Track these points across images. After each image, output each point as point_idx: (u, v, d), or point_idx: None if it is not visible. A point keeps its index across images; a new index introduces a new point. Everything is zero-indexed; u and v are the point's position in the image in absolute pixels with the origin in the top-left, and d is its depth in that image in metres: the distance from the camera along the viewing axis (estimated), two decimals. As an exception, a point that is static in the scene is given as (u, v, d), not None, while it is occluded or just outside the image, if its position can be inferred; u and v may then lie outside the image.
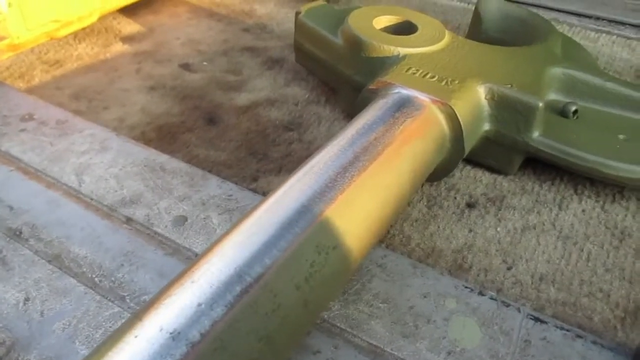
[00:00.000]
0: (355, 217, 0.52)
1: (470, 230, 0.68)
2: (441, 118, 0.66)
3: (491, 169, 0.77)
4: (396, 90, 0.67)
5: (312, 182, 0.52)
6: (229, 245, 0.45)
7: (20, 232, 0.65)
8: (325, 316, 0.55)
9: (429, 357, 0.51)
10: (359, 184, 0.53)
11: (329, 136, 0.82)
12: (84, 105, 0.91)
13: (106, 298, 0.57)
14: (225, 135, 0.84)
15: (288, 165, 0.78)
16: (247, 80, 0.97)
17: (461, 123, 0.65)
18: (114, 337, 0.39)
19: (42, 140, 0.79)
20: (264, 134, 0.84)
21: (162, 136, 0.84)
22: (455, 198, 0.72)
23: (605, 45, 1.11)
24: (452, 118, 0.65)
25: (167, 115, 0.88)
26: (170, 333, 0.38)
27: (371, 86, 0.69)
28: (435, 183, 0.75)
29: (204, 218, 0.66)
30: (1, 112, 0.84)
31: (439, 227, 0.68)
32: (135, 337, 0.39)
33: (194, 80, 0.97)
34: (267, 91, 0.94)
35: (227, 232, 0.47)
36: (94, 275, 0.59)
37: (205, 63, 1.02)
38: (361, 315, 0.55)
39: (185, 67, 1.01)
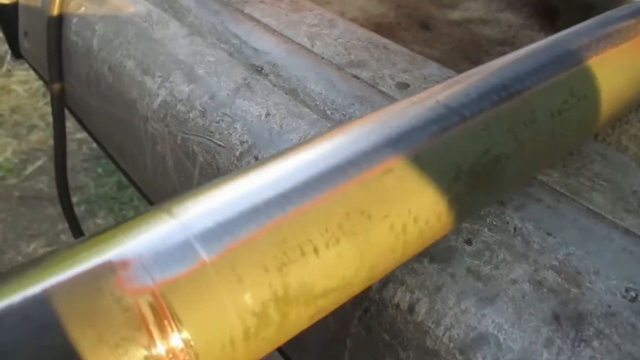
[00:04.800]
0: (603, 81, 0.52)
1: (695, 154, 0.65)
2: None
3: None
4: (645, -1, 0.66)
5: (566, 45, 0.53)
6: (495, 66, 0.48)
7: (262, 69, 0.73)
8: (544, 179, 0.56)
9: (653, 233, 0.50)
10: (606, 57, 0.54)
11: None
12: (308, -2, 0.99)
13: (336, 127, 0.63)
14: (439, 39, 0.87)
15: (500, 71, 0.79)
16: (460, 2, 1.00)
17: None
18: (386, 107, 0.44)
19: (278, 10, 0.87)
20: (477, 44, 0.86)
21: (379, 30, 0.89)
22: (678, 126, 0.70)
23: None
24: None
25: (384, 16, 0.93)
26: (446, 105, 0.42)
27: (616, -6, 0.69)
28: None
29: (425, 88, 0.70)
30: (242, -12, 0.95)
31: (659, 145, 0.66)
32: (412, 103, 0.43)
33: (408, -6, 1.02)
34: (480, 13, 0.96)
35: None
36: (326, 108, 0.65)
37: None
38: (582, 186, 0.55)
39: (400, -17, 1.06)
